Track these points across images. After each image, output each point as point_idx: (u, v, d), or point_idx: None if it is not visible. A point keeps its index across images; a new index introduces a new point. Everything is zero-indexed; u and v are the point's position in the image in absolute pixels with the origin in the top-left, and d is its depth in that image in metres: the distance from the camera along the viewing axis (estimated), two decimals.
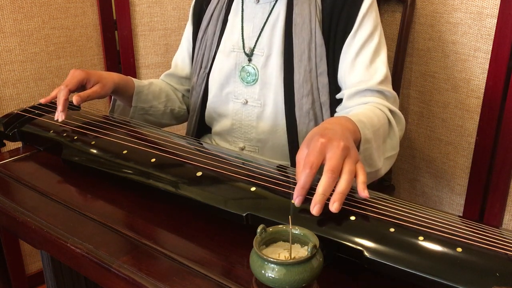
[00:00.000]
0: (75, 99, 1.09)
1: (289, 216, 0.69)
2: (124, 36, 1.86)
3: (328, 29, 1.14)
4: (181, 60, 1.40)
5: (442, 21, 1.48)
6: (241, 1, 1.24)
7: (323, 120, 1.17)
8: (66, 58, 1.78)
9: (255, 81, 1.20)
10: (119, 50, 1.89)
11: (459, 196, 1.58)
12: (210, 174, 0.88)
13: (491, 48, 1.39)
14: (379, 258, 0.69)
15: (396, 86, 1.59)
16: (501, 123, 1.41)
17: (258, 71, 1.19)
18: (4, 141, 1.18)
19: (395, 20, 1.58)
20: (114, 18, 1.87)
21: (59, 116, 1.08)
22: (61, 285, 1.15)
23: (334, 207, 0.74)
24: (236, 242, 0.83)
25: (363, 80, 1.12)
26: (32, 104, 1.21)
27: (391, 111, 1.09)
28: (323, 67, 1.15)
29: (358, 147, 0.93)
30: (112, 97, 1.30)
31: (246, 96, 1.21)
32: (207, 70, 1.27)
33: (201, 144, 1.17)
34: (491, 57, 1.39)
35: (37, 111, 1.18)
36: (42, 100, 1.15)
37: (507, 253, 0.68)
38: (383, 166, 1.04)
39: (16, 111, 1.18)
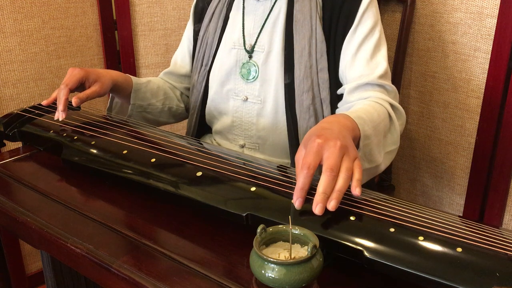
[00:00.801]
0: (74, 101, 1.09)
1: (289, 216, 0.69)
2: (124, 36, 1.86)
3: (328, 25, 1.15)
4: (181, 58, 1.40)
5: (442, 21, 1.48)
6: None
7: (323, 116, 1.18)
8: (66, 58, 1.78)
9: (255, 77, 1.20)
10: (119, 50, 1.89)
11: (459, 196, 1.58)
12: (210, 174, 0.89)
13: (491, 48, 1.39)
14: (379, 258, 0.69)
15: (396, 86, 1.59)
16: (501, 123, 1.41)
17: (258, 68, 1.20)
18: (4, 141, 1.18)
19: (395, 20, 1.58)
20: (114, 18, 1.87)
21: (60, 115, 1.08)
22: (61, 285, 1.15)
23: (331, 205, 0.74)
24: (236, 242, 0.83)
25: (364, 74, 1.12)
26: (32, 104, 1.21)
27: (392, 105, 1.08)
28: (323, 63, 1.15)
29: (357, 144, 0.93)
30: (110, 95, 1.30)
31: (246, 93, 1.22)
32: (207, 68, 1.28)
33: (201, 144, 1.17)
34: (491, 57, 1.39)
35: (37, 111, 1.18)
36: (44, 102, 1.15)
37: (507, 253, 0.68)
38: (383, 161, 1.04)
39: (16, 111, 1.18)
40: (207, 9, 1.31)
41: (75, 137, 1.05)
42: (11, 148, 1.19)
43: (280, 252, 0.68)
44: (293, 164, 1.17)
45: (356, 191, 0.78)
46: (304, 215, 0.77)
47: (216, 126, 1.30)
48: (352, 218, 0.75)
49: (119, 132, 1.06)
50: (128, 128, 1.10)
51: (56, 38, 1.74)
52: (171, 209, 0.92)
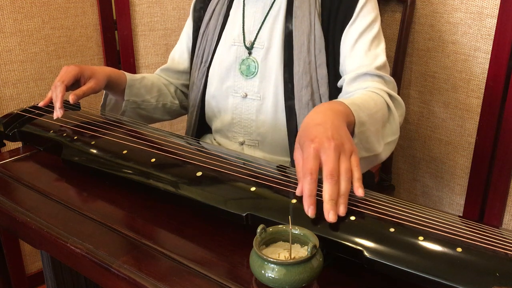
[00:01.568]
0: (71, 98, 1.09)
1: (289, 216, 0.69)
2: (124, 36, 1.86)
3: (327, 21, 1.16)
4: (179, 55, 1.40)
5: (442, 21, 1.48)
6: None
7: None
8: (66, 58, 1.78)
9: (254, 74, 1.21)
10: (119, 50, 1.89)
11: (459, 196, 1.57)
12: (210, 174, 0.88)
13: (491, 48, 1.39)
14: (379, 258, 0.69)
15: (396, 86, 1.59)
16: (501, 123, 1.41)
17: (258, 64, 1.20)
18: (4, 141, 1.18)
19: (395, 20, 1.58)
20: (114, 18, 1.87)
21: (58, 113, 1.08)
22: (61, 285, 1.15)
23: (341, 210, 0.74)
24: (236, 242, 0.83)
25: (362, 65, 1.12)
26: (32, 104, 1.21)
27: (390, 96, 1.08)
28: (322, 58, 1.16)
29: (353, 130, 0.92)
30: (104, 92, 1.30)
31: (245, 90, 1.22)
32: (207, 64, 1.28)
33: (201, 144, 1.17)
34: (491, 57, 1.39)
35: (37, 111, 1.18)
36: (41, 104, 1.14)
37: (507, 253, 0.68)
38: (383, 151, 1.03)
39: (16, 111, 1.18)
40: (207, 6, 1.31)
41: (75, 137, 1.05)
42: (11, 148, 1.19)
43: (280, 252, 0.68)
44: (292, 161, 1.17)
45: (359, 192, 0.78)
46: (304, 215, 0.77)
47: (216, 123, 1.30)
48: (352, 218, 0.75)
49: (119, 132, 1.06)
50: (128, 128, 1.10)
51: (56, 38, 1.74)
52: (171, 209, 0.92)
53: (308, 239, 0.68)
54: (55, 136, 1.08)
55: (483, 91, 1.43)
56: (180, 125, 2.04)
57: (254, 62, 1.21)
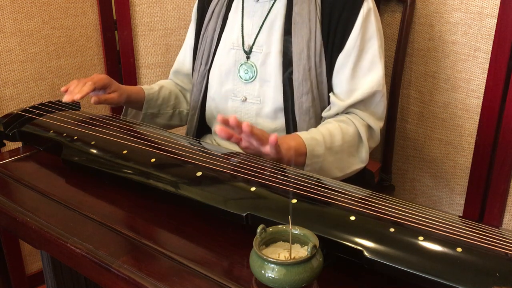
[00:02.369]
0: (93, 99, 1.15)
1: (289, 216, 0.69)
2: (124, 36, 1.86)
3: (327, 29, 1.15)
4: (184, 57, 1.41)
5: (442, 21, 1.48)
6: None
7: (322, 118, 1.20)
8: (66, 58, 1.78)
9: (253, 78, 1.20)
10: (119, 50, 1.89)
11: (459, 196, 1.57)
12: (210, 174, 0.88)
13: (491, 48, 1.39)
14: (379, 258, 0.69)
15: (396, 86, 1.59)
16: (501, 123, 1.41)
17: (256, 69, 1.20)
18: (4, 141, 1.18)
19: (395, 20, 1.58)
20: (114, 18, 1.87)
21: (69, 98, 1.12)
22: (61, 285, 1.15)
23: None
24: (236, 242, 0.83)
25: (343, 98, 1.16)
26: (32, 104, 1.21)
27: (369, 127, 1.17)
28: (322, 66, 1.15)
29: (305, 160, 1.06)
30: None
31: (245, 93, 1.22)
32: (207, 67, 1.28)
33: (201, 144, 1.17)
34: (491, 57, 1.39)
35: (37, 111, 1.18)
36: (63, 89, 1.16)
37: (507, 253, 0.68)
38: (343, 176, 1.15)
39: (16, 111, 1.18)
40: (207, 9, 1.31)
41: (75, 137, 1.05)
42: (11, 148, 1.19)
43: (280, 252, 0.68)
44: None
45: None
46: (304, 215, 0.77)
47: (216, 125, 1.30)
48: (352, 218, 0.75)
49: (119, 132, 1.06)
50: (128, 128, 1.10)
51: (56, 38, 1.74)
52: (171, 209, 0.92)
53: (308, 239, 0.68)
54: (55, 136, 1.08)
55: (483, 91, 1.43)
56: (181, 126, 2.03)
57: (253, 66, 1.20)
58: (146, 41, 1.89)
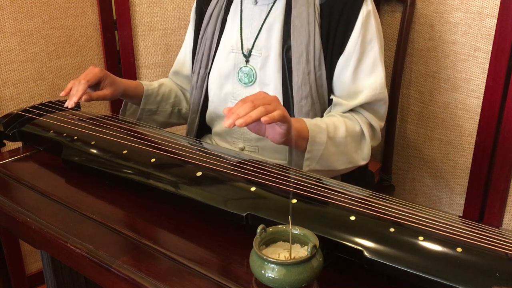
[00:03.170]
0: (84, 97, 1.14)
1: (289, 216, 0.69)
2: (124, 36, 1.86)
3: (326, 32, 1.15)
4: (183, 59, 1.41)
5: (442, 21, 1.48)
6: (239, 2, 1.24)
7: None
8: (66, 58, 1.78)
9: (252, 82, 1.20)
10: (119, 50, 1.89)
11: (459, 196, 1.57)
12: (210, 174, 0.88)
13: (491, 48, 1.39)
14: (379, 258, 0.69)
15: (396, 86, 1.59)
16: (501, 123, 1.41)
17: (256, 72, 1.20)
18: (4, 141, 1.18)
19: (395, 20, 1.58)
20: (114, 18, 1.87)
21: (70, 104, 1.12)
22: (61, 285, 1.15)
23: (237, 122, 0.89)
24: (236, 242, 0.83)
25: (344, 101, 1.15)
26: (32, 104, 1.21)
27: (371, 126, 1.17)
28: (322, 69, 1.15)
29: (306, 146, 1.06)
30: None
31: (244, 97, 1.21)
32: (207, 70, 1.28)
33: (201, 144, 1.17)
34: (491, 57, 1.39)
35: (37, 111, 1.18)
36: (63, 94, 1.17)
37: (507, 253, 0.68)
38: (344, 169, 1.15)
39: (16, 111, 1.18)
40: (205, 11, 1.31)
41: (75, 137, 1.05)
42: (11, 148, 1.19)
43: (280, 252, 0.68)
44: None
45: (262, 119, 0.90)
46: (304, 215, 0.77)
47: (216, 128, 1.31)
48: (352, 218, 0.75)
49: (119, 132, 1.06)
50: (128, 128, 1.10)
51: (56, 38, 1.74)
52: (171, 209, 0.92)
53: (308, 239, 0.68)
54: (55, 136, 1.08)
55: (483, 91, 1.43)
56: (181, 125, 2.03)
57: (252, 70, 1.20)
58: (146, 41, 1.89)
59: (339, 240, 0.72)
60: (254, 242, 0.66)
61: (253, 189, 0.83)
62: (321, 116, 1.19)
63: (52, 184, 1.01)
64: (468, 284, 0.64)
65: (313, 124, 1.06)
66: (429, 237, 0.70)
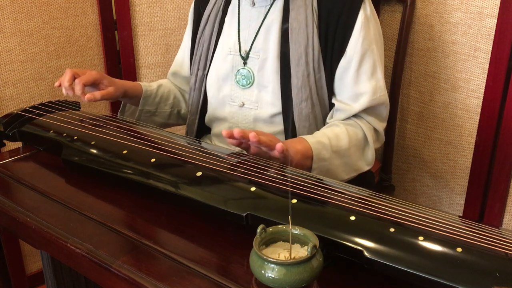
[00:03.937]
0: (87, 96, 1.12)
1: (289, 216, 0.69)
2: (124, 36, 1.86)
3: (325, 34, 1.14)
4: (181, 60, 1.40)
5: (442, 21, 1.48)
6: (237, 4, 1.23)
7: (323, 123, 1.20)
8: (66, 58, 1.78)
9: (250, 84, 1.20)
10: (119, 50, 1.89)
11: (459, 196, 1.57)
12: (210, 174, 0.88)
13: (491, 48, 1.39)
14: (379, 258, 0.69)
15: (396, 86, 1.59)
16: (501, 123, 1.41)
17: (254, 74, 1.19)
18: (4, 141, 1.18)
19: (395, 20, 1.58)
20: (114, 18, 1.87)
21: (66, 91, 1.13)
22: (61, 285, 1.15)
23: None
24: (236, 242, 0.83)
25: (346, 107, 1.16)
26: (32, 104, 1.21)
27: (375, 130, 1.18)
28: (321, 71, 1.15)
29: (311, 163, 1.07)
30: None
31: (242, 99, 1.21)
32: (205, 72, 1.28)
33: (201, 144, 1.17)
34: (491, 57, 1.39)
35: (37, 111, 1.18)
36: (56, 84, 1.16)
37: (507, 253, 0.68)
38: (348, 177, 1.15)
39: (16, 111, 1.18)
40: (203, 13, 1.30)
41: (75, 137, 1.05)
42: (11, 148, 1.19)
43: (280, 252, 0.68)
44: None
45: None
46: (304, 215, 0.77)
47: (214, 130, 1.31)
48: (352, 218, 0.75)
49: (119, 132, 1.06)
50: (128, 128, 1.10)
51: (56, 38, 1.74)
52: (171, 209, 0.92)
53: (308, 239, 0.68)
54: (55, 136, 1.08)
55: (483, 91, 1.43)
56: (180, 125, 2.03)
57: (250, 72, 1.19)
58: (146, 41, 1.89)
59: (339, 240, 0.72)
60: (254, 242, 0.66)
61: (253, 189, 0.83)
62: (322, 118, 1.19)
63: (52, 184, 1.01)
64: (468, 284, 0.64)
65: (315, 142, 1.07)
66: (429, 237, 0.70)
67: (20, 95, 1.69)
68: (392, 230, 0.72)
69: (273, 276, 0.63)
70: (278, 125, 1.19)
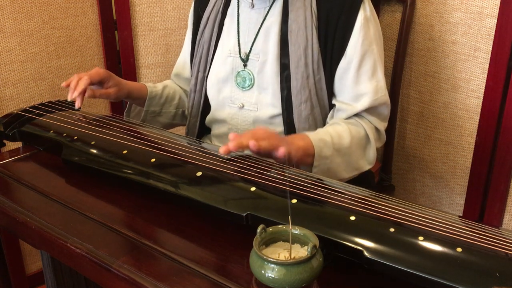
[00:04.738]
0: (87, 93, 1.14)
1: (289, 216, 0.69)
2: (124, 36, 1.86)
3: (324, 35, 1.14)
4: (183, 62, 1.41)
5: (442, 21, 1.48)
6: (237, 6, 1.23)
7: (323, 124, 1.20)
8: (66, 58, 1.78)
9: (250, 86, 1.20)
10: (119, 50, 1.89)
11: (459, 196, 1.57)
12: (210, 174, 0.88)
13: (491, 48, 1.39)
14: (379, 258, 0.69)
15: (396, 86, 1.59)
16: (501, 123, 1.41)
17: (254, 76, 1.19)
18: (4, 141, 1.18)
19: (395, 20, 1.58)
20: (114, 18, 1.87)
21: (69, 96, 1.13)
22: (61, 285, 1.15)
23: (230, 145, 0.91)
24: (236, 242, 0.83)
25: (348, 107, 1.15)
26: (32, 104, 1.21)
27: (376, 129, 1.18)
28: (320, 73, 1.15)
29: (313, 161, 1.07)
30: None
31: (242, 101, 1.21)
32: (205, 74, 1.27)
33: (201, 144, 1.17)
34: (491, 57, 1.39)
35: (37, 111, 1.18)
36: (63, 84, 1.17)
37: (507, 253, 0.68)
38: (349, 176, 1.15)
39: (16, 111, 1.18)
40: (202, 15, 1.30)
41: (75, 137, 1.05)
42: (11, 148, 1.19)
43: (280, 252, 0.68)
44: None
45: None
46: (304, 215, 0.77)
47: (214, 131, 1.31)
48: (352, 218, 0.75)
49: (119, 132, 1.06)
50: (128, 128, 1.10)
51: (56, 38, 1.74)
52: (171, 209, 0.92)
53: (308, 239, 0.68)
54: (55, 136, 1.08)
55: (483, 91, 1.43)
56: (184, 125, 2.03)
57: (250, 74, 1.19)
58: (146, 41, 1.89)
59: (339, 240, 0.72)
60: (254, 242, 0.66)
61: (253, 189, 0.83)
62: (322, 120, 1.19)
63: (52, 184, 1.01)
64: (468, 284, 0.64)
65: (317, 139, 1.07)
66: (429, 237, 0.70)
67: (20, 95, 1.69)
68: (392, 230, 0.72)
69: (273, 276, 0.63)
70: (278, 127, 1.19)
